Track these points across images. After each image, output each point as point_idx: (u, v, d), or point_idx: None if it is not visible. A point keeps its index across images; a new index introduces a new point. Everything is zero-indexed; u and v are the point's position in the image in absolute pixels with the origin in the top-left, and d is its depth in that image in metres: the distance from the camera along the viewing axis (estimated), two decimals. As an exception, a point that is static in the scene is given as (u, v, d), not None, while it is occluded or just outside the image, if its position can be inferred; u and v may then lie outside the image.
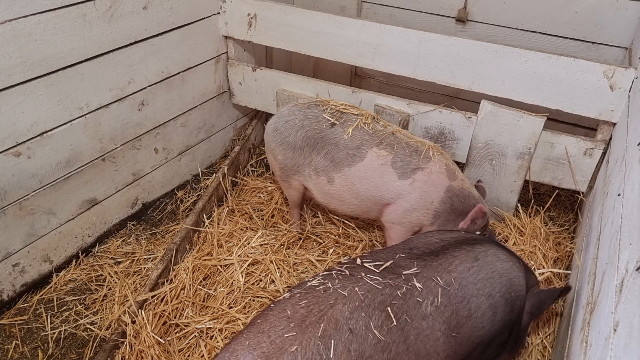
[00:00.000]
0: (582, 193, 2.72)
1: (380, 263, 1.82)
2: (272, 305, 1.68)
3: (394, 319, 1.65)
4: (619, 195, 1.87)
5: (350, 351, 1.56)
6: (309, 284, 1.73)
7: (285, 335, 1.53)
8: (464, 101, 3.43)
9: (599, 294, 1.67)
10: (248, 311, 2.47)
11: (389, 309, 1.67)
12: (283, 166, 2.70)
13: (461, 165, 2.78)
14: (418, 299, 1.74)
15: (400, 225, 2.54)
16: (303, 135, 2.58)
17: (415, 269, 1.81)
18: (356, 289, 1.69)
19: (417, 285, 1.76)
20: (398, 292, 1.72)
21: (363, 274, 1.76)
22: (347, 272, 1.76)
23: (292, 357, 1.49)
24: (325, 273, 1.79)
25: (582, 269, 2.23)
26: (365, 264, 1.81)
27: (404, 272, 1.79)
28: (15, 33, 2.15)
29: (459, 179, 2.49)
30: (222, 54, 3.25)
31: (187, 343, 2.35)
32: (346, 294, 1.66)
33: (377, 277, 1.74)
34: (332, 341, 1.54)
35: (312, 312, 1.60)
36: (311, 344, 1.53)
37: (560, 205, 3.16)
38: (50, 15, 2.26)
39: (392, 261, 1.84)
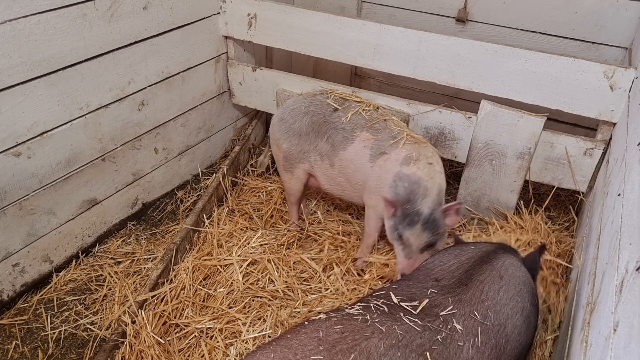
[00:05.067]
0: (582, 193, 2.72)
1: (416, 304, 1.72)
2: (305, 323, 1.62)
3: None
4: (619, 195, 1.87)
5: None
6: (346, 311, 1.66)
7: (312, 358, 1.47)
8: (464, 101, 3.43)
9: (599, 294, 1.67)
10: (248, 311, 2.47)
11: (427, 353, 1.56)
12: (287, 155, 2.76)
13: (461, 166, 2.78)
14: (459, 343, 1.64)
15: (371, 208, 2.61)
16: (308, 121, 2.68)
17: (451, 307, 1.72)
18: (395, 327, 1.60)
19: (457, 327, 1.66)
20: (438, 337, 1.62)
21: (402, 314, 1.67)
22: (385, 309, 1.68)
23: None
24: (363, 304, 1.71)
25: (582, 269, 2.23)
26: (402, 304, 1.72)
27: (442, 313, 1.70)
28: (15, 33, 2.15)
29: (412, 167, 2.40)
30: (222, 54, 3.25)
31: (187, 343, 2.35)
32: (384, 330, 1.58)
33: (416, 320, 1.65)
34: None
35: (346, 340, 1.53)
36: None
37: (560, 206, 3.16)
38: (50, 15, 2.25)
39: (427, 300, 1.74)
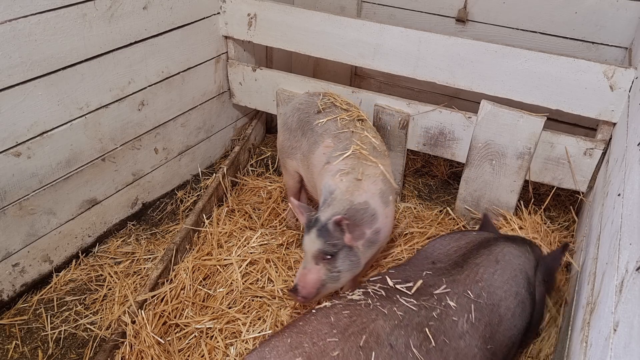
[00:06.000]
0: (582, 193, 2.72)
1: (410, 285, 1.82)
2: (313, 310, 1.70)
3: (432, 339, 1.66)
4: (619, 195, 1.87)
5: None
6: (349, 297, 1.75)
7: (328, 340, 1.55)
8: (464, 101, 3.43)
9: (599, 294, 1.67)
10: (248, 311, 2.47)
11: (426, 329, 1.68)
12: (281, 148, 2.80)
13: (461, 166, 2.78)
14: (453, 318, 1.75)
15: None
16: (297, 118, 2.69)
17: (445, 286, 1.82)
18: (394, 308, 1.70)
19: (451, 304, 1.77)
20: (434, 314, 1.73)
21: (398, 296, 1.77)
22: (383, 293, 1.77)
23: None
24: (362, 290, 1.80)
25: (582, 269, 2.23)
26: (397, 286, 1.81)
27: (435, 292, 1.79)
28: (15, 33, 2.15)
29: (337, 179, 2.32)
30: (222, 54, 3.25)
31: (187, 343, 2.35)
32: (386, 312, 1.68)
33: (412, 300, 1.75)
34: (373, 353, 1.55)
35: (355, 323, 1.62)
36: (352, 352, 1.53)
37: (560, 206, 3.16)
38: (50, 15, 2.25)
39: (421, 281, 1.84)
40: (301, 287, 2.12)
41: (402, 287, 1.80)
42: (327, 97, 2.73)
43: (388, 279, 1.85)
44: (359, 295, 1.75)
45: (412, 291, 1.79)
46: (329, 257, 2.12)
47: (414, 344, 1.63)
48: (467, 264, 1.92)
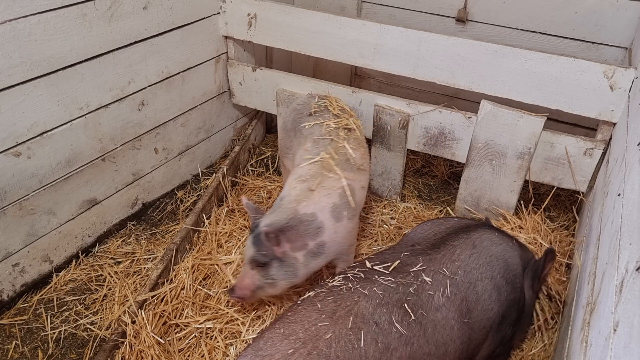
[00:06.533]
0: (582, 193, 2.72)
1: (388, 264, 1.91)
2: (298, 302, 1.79)
3: (411, 313, 1.76)
4: (619, 195, 1.87)
5: (378, 343, 1.66)
6: (330, 284, 1.84)
7: (319, 325, 1.64)
8: (464, 101, 3.43)
9: (599, 294, 1.67)
10: (248, 310, 2.47)
11: (405, 305, 1.77)
12: (280, 147, 2.84)
13: (461, 166, 2.77)
14: (429, 292, 1.84)
15: None
16: (292, 118, 2.71)
17: (421, 264, 1.91)
18: (374, 288, 1.79)
19: (427, 279, 1.86)
20: (410, 289, 1.82)
21: (376, 276, 1.85)
22: (362, 275, 1.86)
23: (327, 343, 1.59)
24: (342, 276, 1.88)
25: (582, 269, 2.23)
26: (375, 267, 1.89)
27: (412, 270, 1.89)
28: (15, 33, 2.15)
29: (292, 184, 2.33)
30: (222, 54, 3.25)
31: (187, 343, 2.35)
32: (367, 292, 1.77)
33: (390, 277, 1.85)
34: (362, 332, 1.65)
35: (341, 307, 1.71)
36: (343, 333, 1.63)
37: (560, 206, 3.16)
38: (50, 15, 2.25)
39: (398, 261, 1.92)
40: (237, 288, 2.25)
41: (379, 268, 1.89)
42: (323, 100, 2.72)
43: (367, 262, 1.94)
44: (339, 280, 1.84)
45: (390, 270, 1.88)
46: (260, 265, 2.18)
47: (396, 320, 1.73)
48: (444, 245, 2.01)
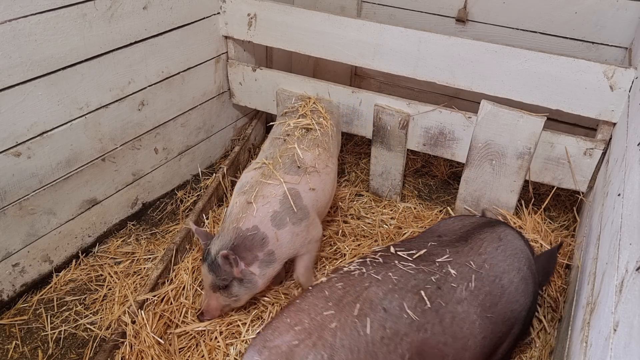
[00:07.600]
0: (582, 193, 2.72)
1: (414, 252, 1.90)
2: (310, 288, 1.79)
3: (427, 301, 1.75)
4: (619, 195, 1.87)
5: (386, 328, 1.65)
6: (345, 269, 1.84)
7: (325, 313, 1.64)
8: (464, 101, 3.43)
9: (599, 294, 1.67)
10: (248, 311, 2.47)
11: (422, 292, 1.76)
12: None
13: (461, 166, 2.77)
14: (452, 284, 1.83)
15: None
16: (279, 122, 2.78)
17: (448, 255, 1.92)
18: (389, 274, 1.79)
19: (452, 271, 1.86)
20: (432, 278, 1.82)
21: (397, 262, 1.85)
22: (381, 260, 1.86)
23: (332, 332, 1.59)
24: (360, 260, 1.89)
25: (582, 269, 2.23)
26: (398, 253, 1.90)
27: (438, 260, 1.89)
28: (15, 33, 2.15)
29: (235, 199, 2.37)
30: (222, 54, 3.25)
31: (187, 343, 2.35)
32: (380, 278, 1.77)
33: (410, 264, 1.85)
34: (368, 319, 1.64)
35: (349, 293, 1.71)
36: (349, 321, 1.63)
37: (560, 206, 3.16)
38: (50, 15, 2.25)
39: (425, 250, 1.94)
40: (205, 312, 2.34)
41: (403, 254, 1.90)
42: (302, 100, 2.74)
43: (392, 247, 1.95)
44: (355, 265, 1.85)
45: (414, 257, 1.88)
46: (222, 288, 2.25)
47: (408, 306, 1.71)
48: (471, 238, 2.02)
